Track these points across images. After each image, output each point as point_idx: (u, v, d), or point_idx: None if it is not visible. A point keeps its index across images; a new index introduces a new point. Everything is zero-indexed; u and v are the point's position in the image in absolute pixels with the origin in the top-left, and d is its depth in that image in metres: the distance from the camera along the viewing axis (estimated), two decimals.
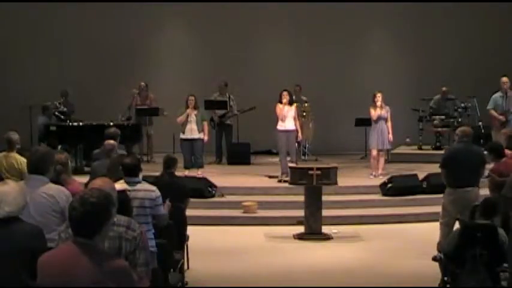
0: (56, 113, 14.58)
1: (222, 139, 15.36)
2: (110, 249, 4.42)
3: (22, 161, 8.15)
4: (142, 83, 15.18)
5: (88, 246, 3.58)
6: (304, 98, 15.34)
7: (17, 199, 4.42)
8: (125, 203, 5.03)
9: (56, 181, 5.93)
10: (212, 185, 12.20)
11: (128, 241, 4.50)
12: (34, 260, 4.18)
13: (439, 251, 7.95)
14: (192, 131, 13.14)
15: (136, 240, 4.52)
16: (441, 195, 9.05)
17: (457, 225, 8.25)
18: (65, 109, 14.84)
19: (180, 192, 7.82)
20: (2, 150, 8.97)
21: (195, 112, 13.17)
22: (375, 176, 13.13)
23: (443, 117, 15.39)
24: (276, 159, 13.65)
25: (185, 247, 8.34)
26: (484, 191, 9.32)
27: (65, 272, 3.55)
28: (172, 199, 7.20)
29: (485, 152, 9.08)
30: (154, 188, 6.59)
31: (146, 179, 7.02)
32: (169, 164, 8.41)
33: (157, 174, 9.04)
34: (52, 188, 5.46)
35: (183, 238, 8.13)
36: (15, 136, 8.56)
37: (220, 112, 15.17)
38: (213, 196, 12.09)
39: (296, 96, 15.03)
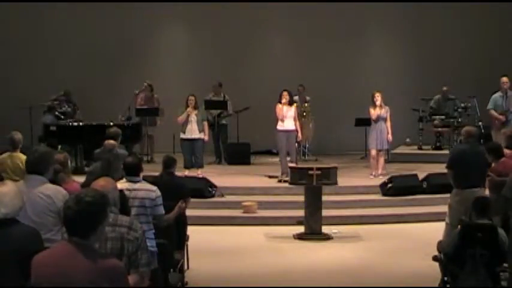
0: (56, 113, 14.56)
1: (219, 139, 15.35)
2: (112, 249, 4.42)
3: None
4: (145, 83, 15.13)
5: (83, 246, 3.57)
6: (307, 98, 15.35)
7: (13, 200, 4.40)
8: (121, 203, 5.02)
9: (54, 180, 5.93)
10: (212, 185, 12.21)
11: (130, 242, 4.50)
12: (31, 261, 4.18)
13: (439, 251, 7.96)
14: (192, 131, 13.14)
15: (138, 241, 4.53)
16: (441, 195, 9.08)
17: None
18: (69, 109, 14.81)
19: (180, 192, 7.81)
20: (2, 149, 8.98)
21: (196, 112, 13.18)
22: (374, 176, 13.13)
23: (443, 117, 15.38)
24: (276, 159, 13.65)
25: (185, 247, 8.35)
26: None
27: (59, 271, 3.54)
28: (172, 199, 7.21)
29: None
30: (154, 188, 6.59)
31: (145, 178, 7.03)
32: (169, 164, 8.41)
33: (157, 174, 9.03)
34: (49, 188, 5.44)
35: (183, 238, 8.14)
36: (18, 136, 8.55)
37: (215, 112, 15.15)
38: (213, 196, 12.09)
39: (299, 95, 15.05)
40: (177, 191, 7.74)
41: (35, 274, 3.65)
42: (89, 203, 3.59)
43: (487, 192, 8.71)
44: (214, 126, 15.08)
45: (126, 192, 5.99)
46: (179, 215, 7.46)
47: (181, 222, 7.91)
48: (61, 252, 3.62)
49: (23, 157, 8.13)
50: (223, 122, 15.36)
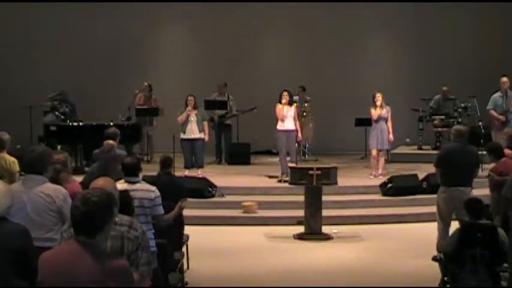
0: (56, 113, 14.56)
1: (221, 139, 15.36)
2: (113, 248, 4.42)
3: (12, 161, 8.05)
4: (146, 83, 15.12)
5: (89, 245, 3.59)
6: (308, 98, 15.36)
7: (0, 200, 4.40)
8: (126, 203, 5.03)
9: (55, 180, 5.92)
10: (212, 185, 12.20)
11: (130, 240, 4.51)
12: (20, 259, 4.17)
13: (439, 251, 7.96)
14: (192, 131, 13.15)
15: (139, 240, 4.53)
16: None
17: (457, 225, 8.29)
18: (67, 109, 14.80)
19: (178, 192, 7.81)
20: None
21: (195, 112, 13.19)
22: (375, 176, 13.13)
23: (443, 117, 15.38)
24: (276, 159, 13.65)
25: (185, 247, 8.35)
26: (483, 191, 9.37)
27: (66, 270, 3.57)
28: (170, 199, 7.21)
29: (485, 152, 9.12)
30: (153, 188, 6.58)
31: (144, 179, 7.03)
32: (166, 164, 8.42)
33: (155, 174, 9.03)
34: (49, 188, 5.45)
35: (182, 238, 8.13)
36: (5, 136, 8.38)
37: (220, 112, 15.16)
38: (213, 196, 12.09)
39: (300, 96, 15.04)
40: (175, 191, 7.73)
41: (42, 273, 3.68)
42: (95, 203, 3.62)
43: (481, 191, 8.75)
44: (215, 125, 15.09)
45: None
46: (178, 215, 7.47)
47: (180, 222, 7.91)
48: (68, 251, 3.65)
49: (8, 157, 8.09)
50: (228, 122, 15.37)
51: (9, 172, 7.89)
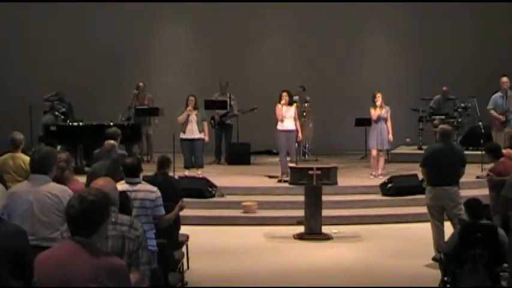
0: (56, 113, 14.56)
1: (222, 139, 15.36)
2: (113, 248, 4.42)
3: (28, 160, 8.09)
4: (141, 83, 15.16)
5: (86, 245, 3.58)
6: (308, 98, 15.37)
7: None
8: (124, 203, 5.03)
9: (60, 178, 5.94)
10: (212, 185, 12.21)
11: (131, 240, 4.51)
12: (16, 259, 4.16)
13: (439, 251, 7.97)
14: (192, 131, 13.15)
15: (139, 239, 4.53)
16: None
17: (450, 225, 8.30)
18: (64, 109, 14.81)
19: (174, 192, 7.82)
20: (2, 149, 8.95)
21: (196, 112, 13.18)
22: (375, 176, 13.13)
23: (443, 117, 15.37)
24: (276, 159, 13.65)
25: (185, 247, 8.36)
26: (483, 191, 9.38)
27: (62, 270, 3.56)
28: (166, 199, 7.20)
29: (484, 152, 9.14)
30: (155, 189, 6.59)
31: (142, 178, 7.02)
32: (164, 164, 8.42)
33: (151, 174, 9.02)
34: (56, 188, 5.47)
35: (177, 238, 8.12)
36: (19, 136, 8.45)
37: (221, 112, 15.17)
38: (213, 196, 12.09)
39: (299, 96, 15.05)
40: (171, 191, 7.72)
41: (38, 273, 3.67)
42: (92, 202, 3.61)
43: (481, 191, 8.77)
44: (215, 124, 15.10)
45: None
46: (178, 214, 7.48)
47: (175, 222, 7.89)
48: (64, 251, 3.64)
49: (25, 157, 8.12)
50: (229, 121, 15.38)
51: (27, 172, 7.91)
